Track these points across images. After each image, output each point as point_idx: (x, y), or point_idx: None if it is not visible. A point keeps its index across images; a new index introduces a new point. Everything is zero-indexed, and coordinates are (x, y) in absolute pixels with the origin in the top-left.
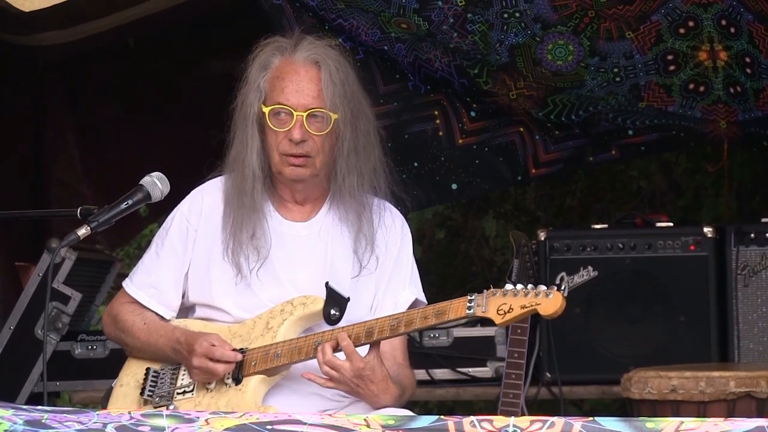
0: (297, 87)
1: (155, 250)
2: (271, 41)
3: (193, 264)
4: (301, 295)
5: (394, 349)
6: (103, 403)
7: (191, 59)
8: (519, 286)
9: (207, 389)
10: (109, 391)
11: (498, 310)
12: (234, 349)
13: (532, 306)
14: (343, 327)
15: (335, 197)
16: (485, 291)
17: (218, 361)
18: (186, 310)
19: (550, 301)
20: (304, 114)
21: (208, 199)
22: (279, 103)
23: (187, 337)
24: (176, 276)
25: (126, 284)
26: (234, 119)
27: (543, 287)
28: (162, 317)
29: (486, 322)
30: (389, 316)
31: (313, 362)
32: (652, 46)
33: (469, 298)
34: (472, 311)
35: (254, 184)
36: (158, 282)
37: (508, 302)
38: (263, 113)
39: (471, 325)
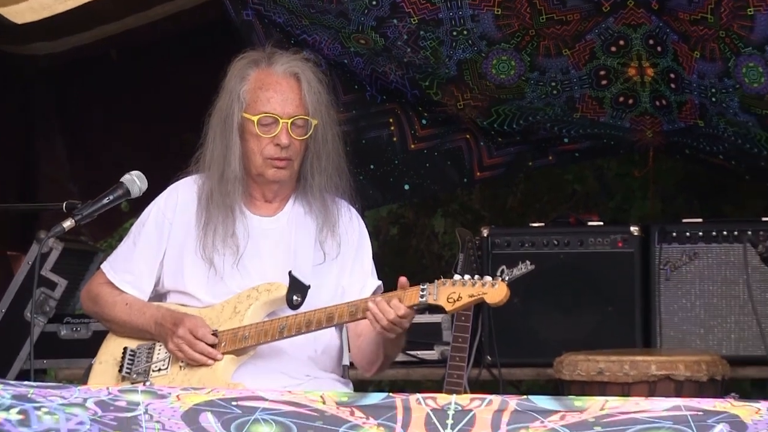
0: (282, 97)
1: (133, 240)
2: (245, 55)
3: (167, 253)
4: (266, 282)
5: None
6: (83, 379)
7: (167, 70)
8: (467, 277)
9: (180, 367)
10: (88, 369)
11: (448, 298)
12: (213, 333)
13: (479, 295)
14: (305, 312)
15: (301, 193)
16: (436, 281)
17: (199, 339)
18: (160, 296)
19: (495, 291)
20: (289, 121)
21: (183, 195)
22: (266, 112)
23: (173, 313)
24: (151, 264)
25: (105, 268)
26: (211, 125)
27: (489, 278)
28: None
29: (435, 309)
30: (348, 302)
31: (277, 343)
32: (587, 63)
33: (421, 287)
34: (424, 299)
35: (234, 186)
36: (134, 269)
37: (457, 291)
38: (248, 121)
39: (420, 313)
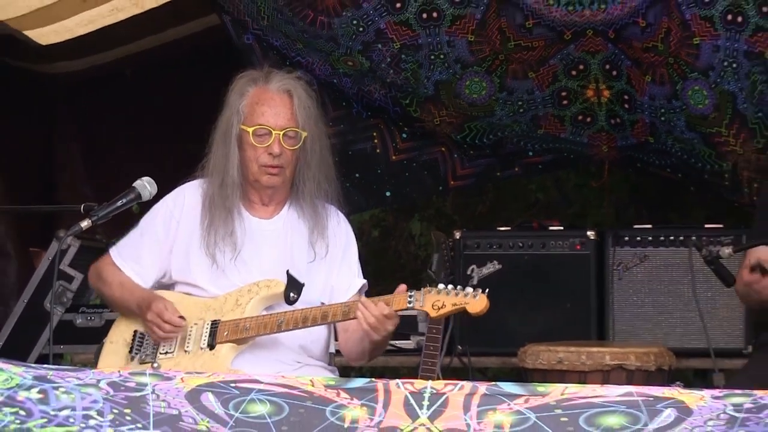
0: (275, 111)
1: (141, 232)
2: (245, 74)
3: (175, 248)
4: (265, 278)
5: None
6: (95, 356)
7: (176, 86)
8: (450, 286)
9: (185, 351)
10: (100, 347)
11: (433, 305)
12: (180, 316)
13: (461, 304)
14: (302, 309)
15: (295, 199)
16: (423, 289)
17: (166, 322)
18: (168, 286)
19: (477, 302)
20: (281, 132)
21: (189, 197)
22: (260, 124)
23: (149, 297)
24: (154, 256)
25: (113, 252)
26: (214, 136)
27: (470, 289)
28: None
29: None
30: (341, 303)
31: (276, 335)
32: (550, 85)
33: (409, 294)
34: (411, 304)
35: (233, 190)
36: (139, 258)
37: (441, 299)
38: (245, 132)
39: None
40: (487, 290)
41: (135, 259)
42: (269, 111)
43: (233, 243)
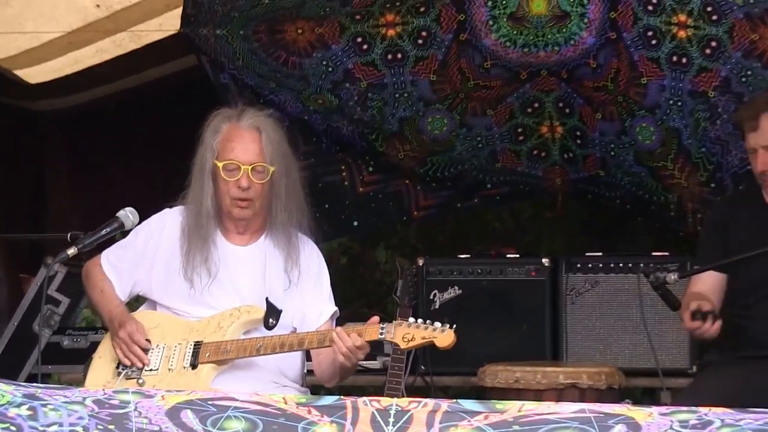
0: (244, 147)
1: (125, 244)
2: (220, 112)
3: (156, 269)
4: (244, 304)
5: None
6: (84, 371)
7: (159, 120)
8: (420, 321)
9: (169, 369)
10: (89, 362)
11: (403, 338)
12: (147, 339)
13: (430, 338)
14: (279, 335)
15: (270, 229)
16: (394, 322)
17: (135, 343)
18: (153, 302)
19: (444, 336)
20: (249, 167)
21: (170, 222)
22: (230, 159)
23: (122, 316)
24: (131, 270)
25: (103, 256)
26: (192, 170)
27: (439, 324)
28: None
29: None
30: (317, 331)
31: (253, 359)
32: (507, 121)
33: (381, 326)
34: (383, 336)
35: (207, 220)
36: (119, 267)
37: (411, 332)
38: (217, 167)
39: None
40: (455, 326)
41: (117, 269)
42: (239, 147)
43: (208, 269)
